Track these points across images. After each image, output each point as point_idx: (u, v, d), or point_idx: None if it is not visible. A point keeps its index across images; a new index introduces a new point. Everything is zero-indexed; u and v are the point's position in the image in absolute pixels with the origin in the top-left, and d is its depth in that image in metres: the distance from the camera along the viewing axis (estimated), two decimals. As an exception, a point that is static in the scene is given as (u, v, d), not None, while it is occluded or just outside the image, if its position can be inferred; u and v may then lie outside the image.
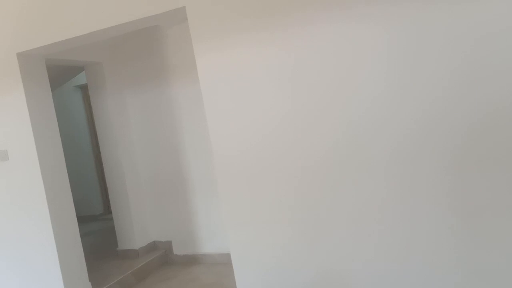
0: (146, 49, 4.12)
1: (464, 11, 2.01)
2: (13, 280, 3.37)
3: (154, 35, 4.06)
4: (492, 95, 2.00)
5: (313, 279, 2.45)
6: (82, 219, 6.09)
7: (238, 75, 2.46)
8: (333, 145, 2.31)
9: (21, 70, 3.09)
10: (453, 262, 2.16)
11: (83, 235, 5.29)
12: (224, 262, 3.87)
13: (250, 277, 2.61)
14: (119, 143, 4.17)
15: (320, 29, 2.25)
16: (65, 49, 3.17)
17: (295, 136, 2.38)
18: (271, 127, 2.43)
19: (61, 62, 3.84)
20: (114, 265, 4.08)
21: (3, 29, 3.10)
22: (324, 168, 2.34)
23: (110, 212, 5.14)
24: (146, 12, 2.58)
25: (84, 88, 6.02)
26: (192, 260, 4.15)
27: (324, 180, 2.35)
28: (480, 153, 2.05)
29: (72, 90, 6.32)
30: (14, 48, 3.07)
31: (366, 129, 2.23)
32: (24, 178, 3.18)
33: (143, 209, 4.32)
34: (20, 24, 3.03)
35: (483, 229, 2.09)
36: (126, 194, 4.20)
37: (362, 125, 2.24)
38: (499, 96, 1.99)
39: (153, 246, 4.34)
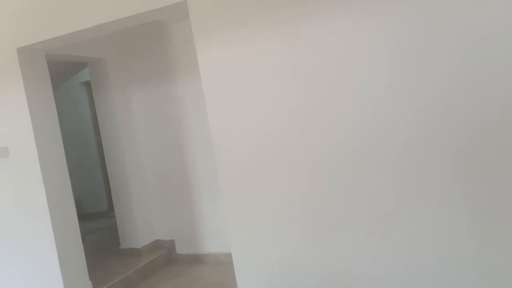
0: (151, 45, 4.07)
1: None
2: (13, 279, 3.33)
3: (159, 31, 4.01)
4: (501, 93, 1.95)
5: (321, 280, 2.40)
6: (87, 216, 6.12)
7: (241, 70, 2.41)
8: (340, 143, 2.25)
9: (21, 65, 3.04)
10: (466, 265, 2.10)
11: (87, 233, 5.30)
12: (227, 262, 3.81)
13: (252, 277, 2.56)
14: (123, 142, 4.12)
15: (324, 24, 2.20)
16: (67, 44, 3.13)
17: (300, 135, 2.33)
18: (276, 124, 2.37)
19: (64, 58, 3.80)
20: (117, 263, 4.04)
21: (3, 24, 3.06)
22: (331, 167, 2.29)
23: (115, 210, 5.11)
24: (147, 6, 2.53)
25: (89, 85, 6.00)
26: (195, 260, 4.10)
27: (331, 179, 2.30)
28: (490, 152, 2.00)
29: (78, 86, 6.31)
30: (14, 43, 3.03)
31: (373, 126, 2.18)
32: (24, 175, 3.14)
33: (146, 207, 4.27)
34: (20, 19, 2.99)
35: (497, 230, 2.03)
36: (129, 193, 4.16)
37: (370, 122, 2.18)
38: (509, 94, 1.94)
39: (156, 245, 4.30)
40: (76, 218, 3.35)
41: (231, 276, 3.50)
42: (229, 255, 3.77)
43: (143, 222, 4.22)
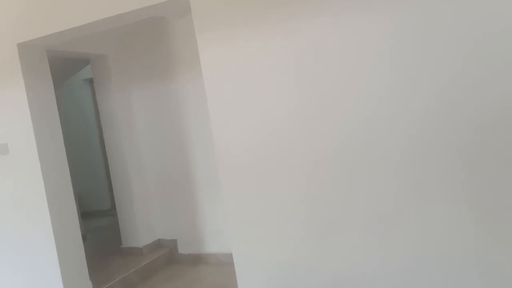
0: (153, 42, 4.04)
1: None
2: (13, 279, 3.30)
3: (161, 28, 3.98)
4: (502, 92, 1.93)
5: (321, 280, 2.37)
6: (90, 215, 6.08)
7: (242, 69, 2.38)
8: (341, 143, 2.23)
9: (22, 61, 3.01)
10: (468, 265, 2.07)
11: (89, 231, 5.27)
12: (229, 262, 3.76)
13: (253, 277, 2.53)
14: (124, 140, 4.09)
15: (327, 21, 2.19)
16: (67, 40, 3.10)
17: (301, 135, 2.30)
18: (277, 123, 2.35)
19: (66, 55, 3.77)
20: (118, 263, 4.01)
21: (2, 19, 3.03)
22: (331, 167, 2.26)
23: (118, 208, 5.07)
24: (147, 1, 2.50)
25: (92, 82, 5.96)
26: (197, 260, 4.06)
27: (331, 179, 2.27)
28: (491, 152, 1.98)
29: (81, 83, 6.28)
30: (14, 38, 3.00)
31: (374, 126, 2.16)
32: (23, 172, 3.11)
33: (148, 206, 4.23)
34: (20, 14, 2.96)
35: (499, 229, 2.00)
36: (131, 191, 4.12)
37: (370, 122, 2.16)
38: (511, 93, 1.92)
39: (158, 244, 4.26)
40: (77, 217, 3.31)
41: (231, 277, 3.46)
42: (230, 256, 3.74)
43: (144, 221, 4.19)
